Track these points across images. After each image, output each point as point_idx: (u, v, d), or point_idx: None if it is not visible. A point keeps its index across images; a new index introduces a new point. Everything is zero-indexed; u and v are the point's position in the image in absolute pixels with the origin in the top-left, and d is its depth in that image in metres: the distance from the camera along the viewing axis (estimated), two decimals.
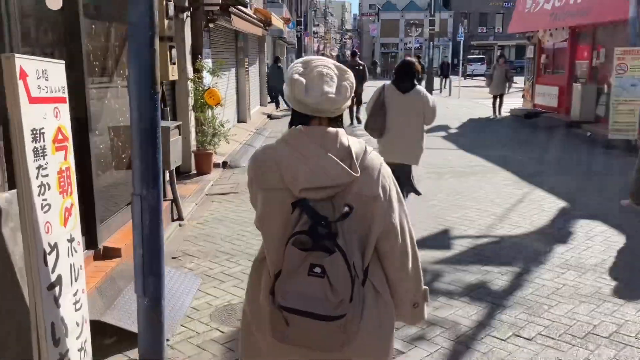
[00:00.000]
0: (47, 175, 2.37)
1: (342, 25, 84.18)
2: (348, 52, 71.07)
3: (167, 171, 5.74)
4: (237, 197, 7.09)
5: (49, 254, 2.37)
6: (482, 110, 18.27)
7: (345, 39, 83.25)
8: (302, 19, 36.01)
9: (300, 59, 1.76)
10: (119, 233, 4.72)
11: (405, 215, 1.77)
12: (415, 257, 1.80)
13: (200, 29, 8.71)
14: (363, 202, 1.63)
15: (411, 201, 6.38)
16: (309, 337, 1.62)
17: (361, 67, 13.82)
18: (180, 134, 5.76)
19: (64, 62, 2.71)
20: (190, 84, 8.15)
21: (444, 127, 13.87)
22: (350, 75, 1.74)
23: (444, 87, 27.11)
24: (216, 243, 5.27)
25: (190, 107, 8.22)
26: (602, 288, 4.10)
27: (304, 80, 1.65)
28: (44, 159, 2.35)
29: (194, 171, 8.28)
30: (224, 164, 9.03)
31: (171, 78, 5.77)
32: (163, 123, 5.64)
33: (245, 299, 1.86)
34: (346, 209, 1.60)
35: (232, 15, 9.91)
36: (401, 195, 1.77)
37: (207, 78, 8.57)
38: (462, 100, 22.25)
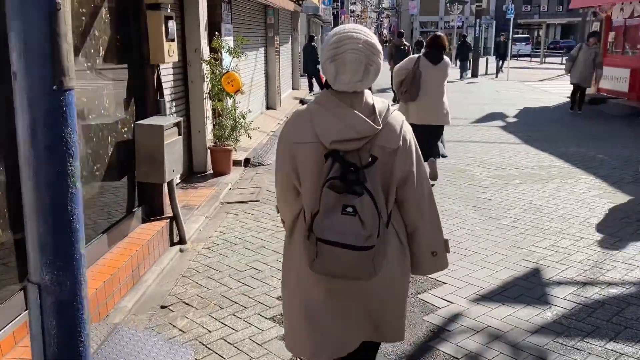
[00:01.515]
0: None
1: (379, 4, 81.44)
2: (385, 32, 68.60)
3: (165, 184, 4.42)
4: (257, 207, 5.75)
5: None
6: (537, 94, 16.44)
7: (382, 17, 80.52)
8: None
9: (333, 35, 1.90)
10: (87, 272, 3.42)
11: (422, 167, 2.02)
12: (432, 205, 2.04)
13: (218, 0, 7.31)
14: (386, 153, 1.89)
15: (479, 219, 4.82)
16: (343, 267, 1.85)
17: (406, 48, 13.98)
18: (180, 134, 4.40)
19: None
20: (205, 67, 6.79)
21: (500, 115, 12.20)
22: (379, 56, 1.88)
23: (501, 71, 23.50)
24: (222, 283, 3.94)
25: (206, 95, 6.87)
26: None
27: (333, 68, 1.86)
28: None
29: (210, 171, 6.96)
30: (246, 162, 7.68)
31: (168, 60, 4.35)
32: (156, 120, 4.29)
33: (282, 275, 2.14)
34: (370, 158, 1.86)
35: None
36: (419, 150, 2.01)
37: (227, 59, 7.19)
38: (512, 82, 20.37)
